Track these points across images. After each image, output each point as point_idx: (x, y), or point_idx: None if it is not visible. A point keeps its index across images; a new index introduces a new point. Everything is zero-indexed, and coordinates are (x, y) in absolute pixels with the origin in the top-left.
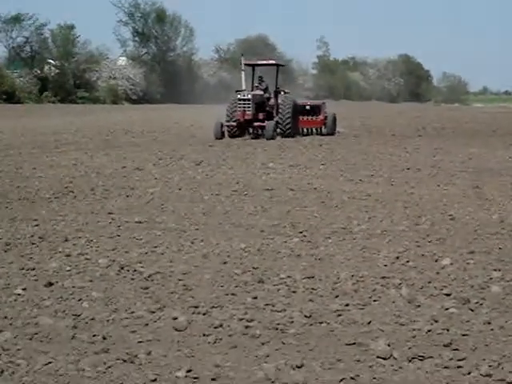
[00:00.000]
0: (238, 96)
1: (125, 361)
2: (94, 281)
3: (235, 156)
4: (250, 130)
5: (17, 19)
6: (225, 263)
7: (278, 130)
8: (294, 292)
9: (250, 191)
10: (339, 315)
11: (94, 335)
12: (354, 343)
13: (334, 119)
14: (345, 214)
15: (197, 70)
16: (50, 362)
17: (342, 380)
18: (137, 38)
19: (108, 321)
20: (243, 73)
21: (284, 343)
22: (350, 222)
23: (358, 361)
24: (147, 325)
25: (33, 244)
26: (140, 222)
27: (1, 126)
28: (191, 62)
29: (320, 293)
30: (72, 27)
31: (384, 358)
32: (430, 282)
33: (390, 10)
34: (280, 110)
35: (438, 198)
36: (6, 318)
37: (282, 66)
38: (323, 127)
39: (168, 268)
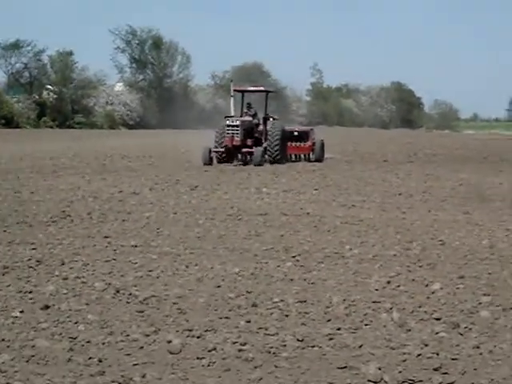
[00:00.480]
0: (227, 122)
1: (120, 383)
2: (90, 304)
3: (230, 181)
4: (239, 156)
5: (16, 46)
6: (219, 287)
7: (267, 156)
8: (286, 316)
9: (244, 216)
10: (331, 339)
11: (89, 358)
12: (346, 367)
13: (322, 145)
14: (337, 238)
15: (193, 96)
16: None
17: None
18: (134, 65)
19: (104, 343)
20: (232, 99)
21: (277, 366)
22: (342, 246)
23: None
24: (142, 348)
25: (30, 267)
26: (136, 246)
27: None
28: (187, 89)
29: (312, 317)
30: (70, 53)
31: (375, 382)
32: (420, 307)
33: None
34: (268, 137)
35: (428, 223)
36: (3, 340)
37: (272, 92)
38: (311, 153)
39: (163, 292)
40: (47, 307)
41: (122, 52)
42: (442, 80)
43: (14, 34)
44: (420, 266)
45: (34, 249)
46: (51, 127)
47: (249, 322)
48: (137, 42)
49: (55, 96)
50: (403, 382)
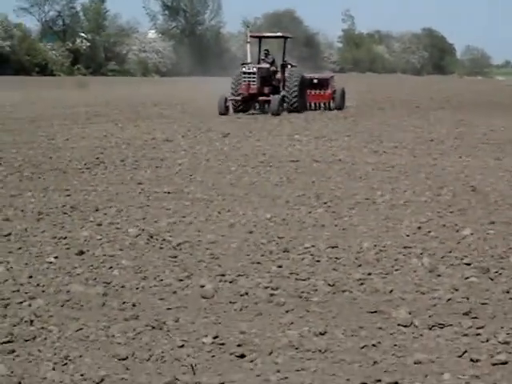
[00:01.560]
0: (243, 69)
1: (153, 327)
2: (124, 249)
3: (262, 128)
4: (256, 105)
5: None
6: (251, 233)
7: (285, 105)
8: (317, 261)
9: (276, 162)
10: (362, 284)
11: (123, 302)
12: (376, 311)
13: (343, 93)
14: (368, 184)
15: (224, 43)
16: (81, 329)
17: (363, 347)
18: (166, 12)
19: (137, 288)
20: (248, 45)
21: (308, 311)
22: (373, 192)
23: (380, 328)
24: (175, 292)
25: (65, 214)
26: (169, 193)
27: (33, 97)
28: (219, 36)
29: (343, 262)
30: (103, 1)
31: (405, 326)
32: (450, 252)
33: None
34: (287, 84)
35: (459, 169)
36: (38, 285)
37: (290, 38)
38: (331, 102)
39: (196, 237)
40: (82, 253)
41: None
42: (474, 26)
43: None
44: (451, 212)
45: (68, 195)
46: (85, 75)
47: (280, 267)
48: None
49: (88, 44)
50: (433, 326)
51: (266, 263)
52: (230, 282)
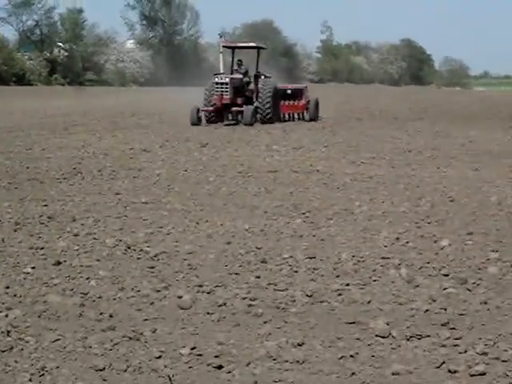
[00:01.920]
0: (216, 79)
1: (131, 338)
2: (102, 260)
3: (240, 138)
4: (230, 116)
5: (27, 3)
6: (229, 243)
7: (258, 116)
8: (295, 272)
9: (254, 173)
10: (340, 294)
11: (101, 313)
12: (354, 322)
13: (317, 104)
14: (346, 195)
15: (202, 53)
16: (58, 339)
17: (341, 358)
18: (144, 22)
19: (115, 299)
20: (221, 55)
21: (286, 322)
22: (351, 203)
23: (358, 339)
24: (153, 303)
25: (42, 224)
26: (146, 203)
27: (11, 107)
28: (197, 46)
29: (321, 272)
30: (80, 11)
31: (383, 337)
32: (428, 263)
33: None
34: (260, 95)
35: (438, 180)
36: (15, 295)
37: (263, 48)
38: (305, 112)
39: (173, 248)
40: (59, 263)
41: (133, 9)
42: (452, 37)
43: None
44: (429, 223)
45: (45, 205)
46: (62, 84)
47: (258, 277)
48: None
49: (66, 53)
50: (411, 337)
51: (244, 274)
52: (208, 293)
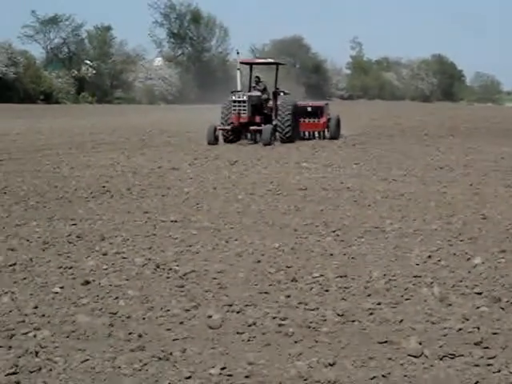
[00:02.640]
0: (233, 97)
1: (160, 358)
2: (130, 279)
3: (269, 155)
4: (248, 135)
5: (54, 20)
6: (259, 262)
7: (277, 135)
8: (326, 291)
9: (284, 191)
10: (371, 314)
11: (130, 333)
12: (386, 341)
13: (338, 122)
14: (378, 213)
15: (231, 70)
16: (86, 360)
17: (373, 378)
18: (172, 39)
19: (144, 319)
20: (238, 72)
21: (317, 341)
22: (382, 221)
23: (390, 359)
24: (182, 323)
25: (70, 243)
26: (175, 221)
27: (39, 126)
28: (226, 63)
29: (352, 291)
30: (108, 28)
31: (415, 356)
32: (461, 281)
33: (423, 10)
34: (279, 113)
35: (470, 197)
36: (43, 315)
37: (282, 64)
38: (326, 131)
39: (203, 267)
40: (87, 283)
41: (161, 26)
42: (483, 52)
43: (52, 8)
44: (461, 241)
45: (74, 224)
46: (90, 102)
47: (289, 296)
48: (175, 16)
49: (94, 71)
50: (444, 356)
51: (274, 293)
52: (238, 312)
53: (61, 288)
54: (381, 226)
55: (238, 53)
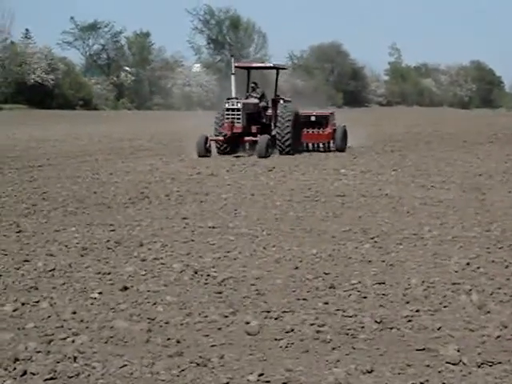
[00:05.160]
0: (226, 105)
1: (198, 364)
2: (169, 285)
3: (307, 162)
4: (247, 146)
5: (93, 27)
6: (297, 268)
7: (277, 146)
8: (364, 297)
9: (322, 197)
10: (409, 321)
11: (168, 339)
12: (424, 349)
13: (345, 133)
14: (416, 220)
15: (269, 76)
16: (125, 365)
17: None
18: (211, 45)
19: (182, 325)
20: (233, 77)
21: (354, 348)
22: (421, 228)
23: (428, 366)
24: (220, 329)
25: (109, 249)
26: (213, 228)
27: (78, 132)
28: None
29: (391, 298)
30: (147, 34)
31: (453, 364)
32: (500, 288)
33: (461, 16)
34: (278, 123)
35: (509, 204)
36: (82, 321)
37: (283, 68)
38: (331, 142)
39: (241, 273)
40: (126, 288)
41: (200, 33)
42: None
43: (91, 15)
44: (500, 248)
45: (112, 230)
46: (129, 109)
47: (327, 303)
48: (214, 22)
49: (133, 77)
50: (482, 363)
51: (312, 299)
52: (276, 319)
53: (99, 294)
54: (419, 232)
55: (231, 56)
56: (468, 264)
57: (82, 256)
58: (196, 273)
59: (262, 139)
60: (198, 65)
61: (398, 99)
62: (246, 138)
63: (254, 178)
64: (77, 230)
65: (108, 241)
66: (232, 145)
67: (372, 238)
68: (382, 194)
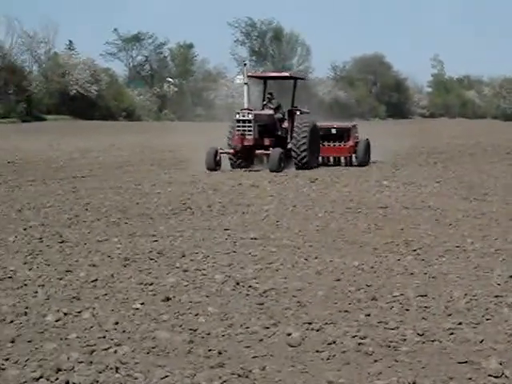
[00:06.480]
0: (237, 116)
1: (240, 376)
2: (210, 296)
3: (349, 173)
4: (264, 159)
5: (136, 38)
6: (338, 280)
7: (294, 160)
8: (407, 310)
9: (364, 209)
10: (452, 333)
11: (209, 350)
12: (466, 361)
13: (368, 146)
14: (459, 232)
15: (312, 88)
16: (166, 376)
17: None
18: (253, 57)
19: (223, 336)
20: (246, 87)
21: (396, 361)
22: (463, 240)
23: (470, 379)
24: (262, 340)
25: (151, 259)
26: (255, 239)
27: (121, 143)
28: (307, 81)
29: (433, 311)
30: (191, 46)
31: (496, 377)
32: None
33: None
34: (294, 135)
35: None
36: (124, 331)
37: (301, 79)
38: (353, 156)
39: (282, 284)
40: (168, 299)
41: (242, 44)
42: None
43: (135, 26)
44: None
45: (155, 241)
46: (172, 120)
47: (368, 315)
48: (256, 34)
49: (176, 89)
50: None
51: (354, 311)
52: (317, 331)
53: (141, 304)
54: (462, 245)
55: (245, 64)
56: (511, 277)
57: (124, 266)
58: (238, 284)
59: (275, 152)
60: (241, 77)
61: (441, 111)
62: (258, 152)
63: (295, 189)
64: (119, 240)
65: (150, 251)
66: (245, 158)
67: (414, 250)
68: (424, 206)
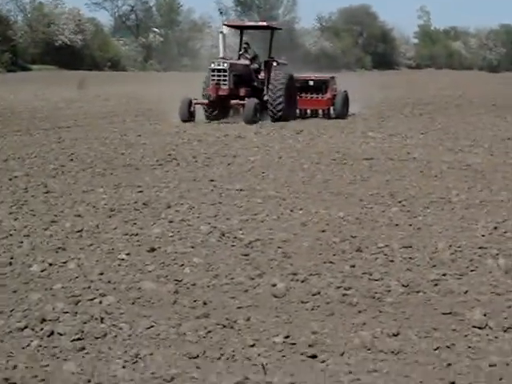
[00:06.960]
0: (211, 65)
1: (224, 326)
2: (196, 247)
3: (335, 125)
4: (241, 110)
5: None
6: (323, 231)
7: (269, 112)
8: (391, 261)
9: (350, 160)
10: (436, 285)
11: (194, 300)
12: (450, 312)
13: (346, 98)
14: (444, 184)
15: (298, 39)
16: (151, 326)
17: (437, 348)
18: (239, 8)
19: (208, 286)
20: (221, 36)
21: (381, 311)
22: (448, 191)
23: (454, 330)
24: (247, 291)
25: (136, 210)
26: (241, 190)
27: (106, 93)
28: (293, 32)
29: (417, 262)
30: None
31: (480, 328)
32: None
33: None
34: (270, 86)
35: None
36: (109, 282)
37: (277, 29)
38: (331, 109)
39: (268, 235)
40: (153, 250)
41: None
42: None
43: None
44: None
45: (140, 192)
46: (157, 70)
47: (353, 266)
48: None
49: (161, 39)
50: (508, 328)
51: (339, 263)
52: (302, 282)
53: (127, 255)
54: (447, 196)
55: (221, 13)
56: (495, 228)
57: (109, 217)
58: (223, 235)
59: (250, 102)
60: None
61: (427, 62)
62: (233, 102)
63: (281, 140)
64: (104, 191)
65: (136, 202)
66: (220, 109)
67: (399, 202)
68: (410, 158)
